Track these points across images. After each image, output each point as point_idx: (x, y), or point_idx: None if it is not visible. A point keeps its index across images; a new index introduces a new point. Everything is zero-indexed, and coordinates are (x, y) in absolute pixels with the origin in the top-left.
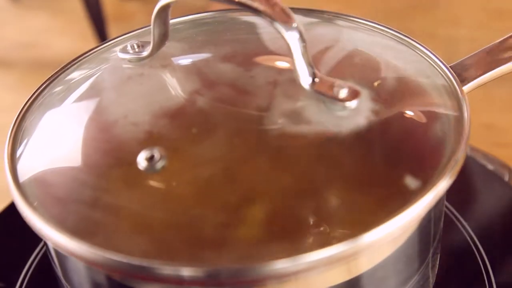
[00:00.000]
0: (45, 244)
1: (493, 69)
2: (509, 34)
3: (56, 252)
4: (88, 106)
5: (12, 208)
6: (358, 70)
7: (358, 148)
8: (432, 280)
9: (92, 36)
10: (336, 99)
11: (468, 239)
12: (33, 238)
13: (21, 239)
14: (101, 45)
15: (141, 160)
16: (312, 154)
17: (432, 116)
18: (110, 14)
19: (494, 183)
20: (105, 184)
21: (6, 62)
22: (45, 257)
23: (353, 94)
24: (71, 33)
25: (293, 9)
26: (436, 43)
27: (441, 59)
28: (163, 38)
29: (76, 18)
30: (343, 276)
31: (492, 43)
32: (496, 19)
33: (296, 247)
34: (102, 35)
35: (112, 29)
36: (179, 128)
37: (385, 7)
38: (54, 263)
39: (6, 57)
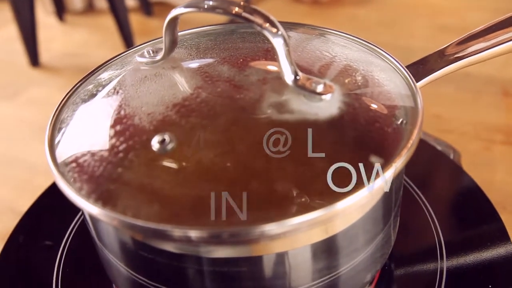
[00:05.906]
0: (82, 212)
1: (441, 68)
2: (452, 41)
3: (91, 218)
4: (113, 101)
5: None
6: (333, 70)
7: (332, 133)
8: (393, 238)
9: (122, 47)
10: (314, 92)
11: (422, 204)
12: (74, 207)
13: (65, 208)
14: (124, 52)
15: (155, 143)
16: (295, 138)
17: (393, 107)
18: (137, 29)
19: (442, 160)
20: (125, 163)
21: (55, 69)
22: (83, 222)
23: (328, 89)
24: (106, 45)
25: (280, 22)
26: (395, 52)
27: (400, 62)
28: (173, 44)
29: (110, 33)
30: (322, 235)
31: (440, 48)
32: (442, 33)
33: (282, 213)
34: (130, 46)
35: (138, 42)
36: (186, 117)
37: (356, 24)
38: (89, 226)
39: (55, 64)
